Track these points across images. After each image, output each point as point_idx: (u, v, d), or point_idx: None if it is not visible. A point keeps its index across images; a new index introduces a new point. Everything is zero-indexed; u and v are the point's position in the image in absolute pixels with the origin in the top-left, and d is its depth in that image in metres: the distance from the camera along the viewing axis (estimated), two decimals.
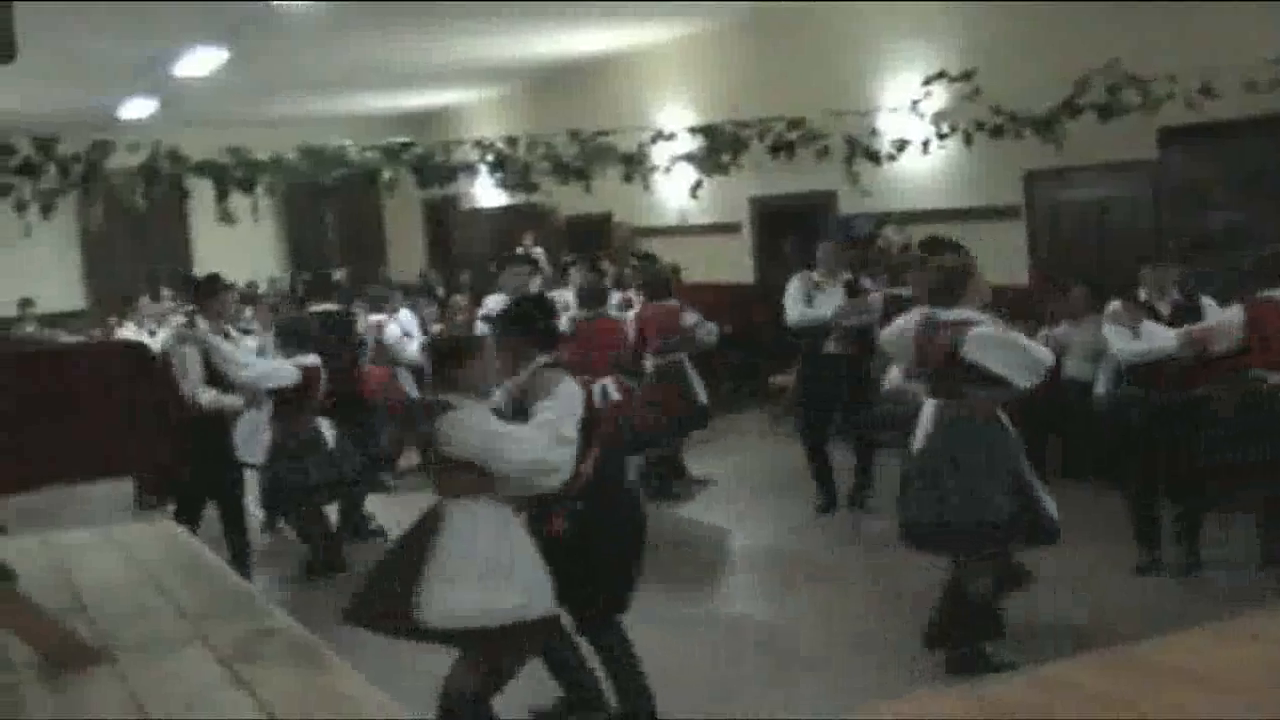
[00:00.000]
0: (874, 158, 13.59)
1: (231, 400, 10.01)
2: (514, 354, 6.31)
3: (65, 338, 16.79)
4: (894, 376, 8.78)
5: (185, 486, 9.92)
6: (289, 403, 10.33)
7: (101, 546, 6.32)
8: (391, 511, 11.33)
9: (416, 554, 5.54)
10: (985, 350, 7.01)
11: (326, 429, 10.57)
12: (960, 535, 7.06)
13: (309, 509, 10.50)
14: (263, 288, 23.02)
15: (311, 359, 10.53)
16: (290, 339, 10.74)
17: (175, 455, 4.38)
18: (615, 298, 13.34)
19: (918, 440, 7.25)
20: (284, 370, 10.22)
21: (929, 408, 7.27)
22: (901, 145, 13.43)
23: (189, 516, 9.51)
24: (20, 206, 11.98)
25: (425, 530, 5.63)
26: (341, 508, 11.39)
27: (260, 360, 10.66)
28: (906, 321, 7.47)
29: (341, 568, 10.36)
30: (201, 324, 10.14)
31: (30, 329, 19.85)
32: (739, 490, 12.47)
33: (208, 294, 10.47)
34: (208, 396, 9.76)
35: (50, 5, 10.95)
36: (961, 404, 7.15)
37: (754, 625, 8.51)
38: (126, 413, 4.26)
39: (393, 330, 13.44)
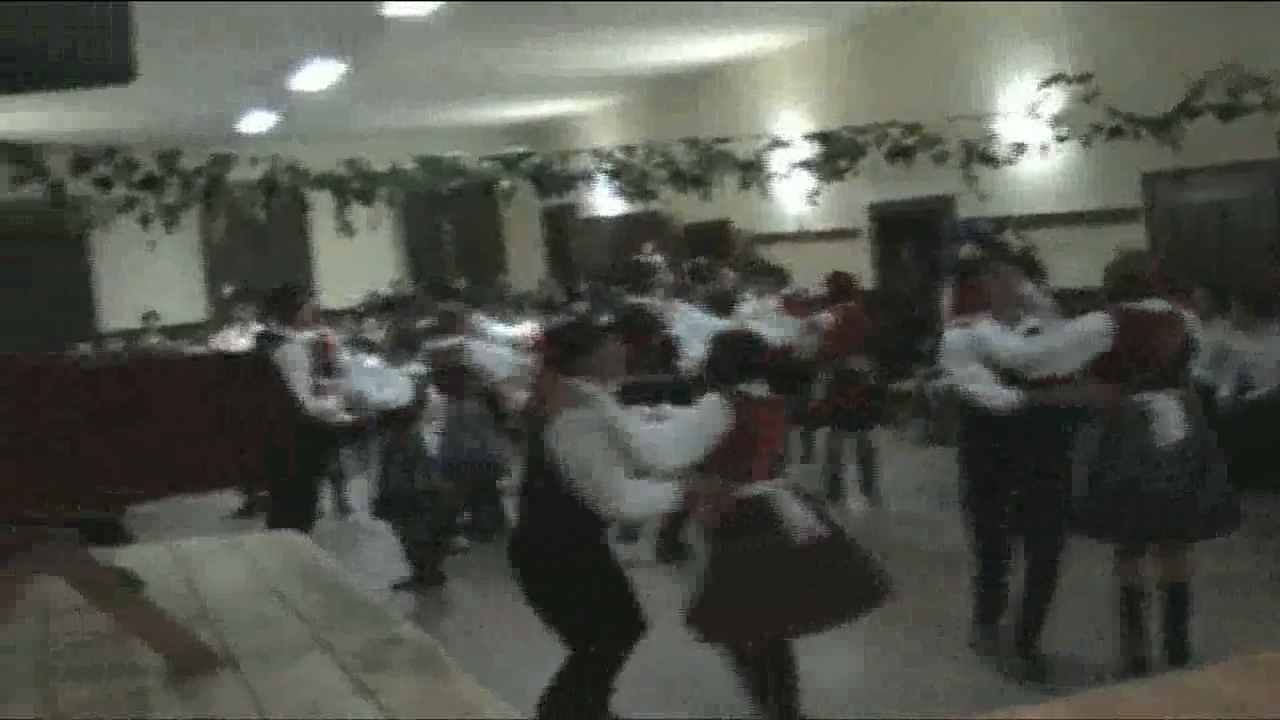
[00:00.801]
0: (991, 161, 13.50)
1: (333, 408, 10.11)
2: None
3: (190, 349, 17.00)
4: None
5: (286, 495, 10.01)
6: (395, 413, 10.38)
7: (226, 554, 6.38)
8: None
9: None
10: None
11: (430, 436, 10.63)
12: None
13: (418, 518, 10.55)
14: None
15: (416, 368, 10.60)
16: (400, 349, 10.81)
17: (275, 465, 4.39)
18: (749, 305, 13.12)
19: (1171, 433, 7.10)
20: (386, 394, 10.25)
21: (1172, 401, 7.13)
22: (1019, 148, 13.33)
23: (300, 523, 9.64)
24: (144, 220, 12.18)
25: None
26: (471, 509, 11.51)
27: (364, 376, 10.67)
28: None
29: (438, 580, 10.44)
30: (294, 334, 10.24)
31: (154, 341, 20.13)
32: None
33: (292, 305, 10.48)
34: (317, 406, 9.86)
35: (170, 21, 11.08)
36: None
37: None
38: (225, 423, 4.27)
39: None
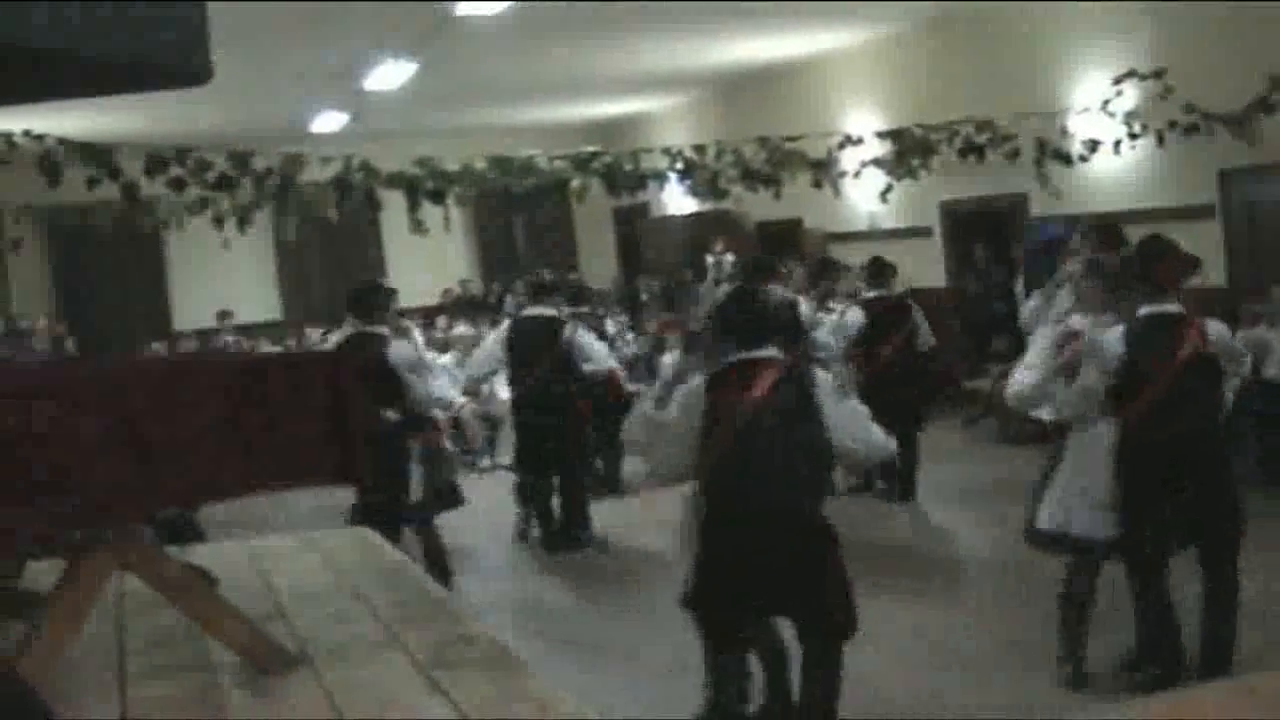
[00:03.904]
0: (1065, 159, 13.44)
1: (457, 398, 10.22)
2: None
3: (266, 348, 17.12)
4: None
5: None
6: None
7: (300, 552, 6.41)
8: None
9: None
10: None
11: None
12: None
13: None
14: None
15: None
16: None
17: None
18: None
19: None
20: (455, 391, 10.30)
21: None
22: (1093, 146, 13.26)
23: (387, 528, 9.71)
24: (218, 220, 12.27)
25: None
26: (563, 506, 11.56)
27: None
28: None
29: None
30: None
31: (228, 340, 20.30)
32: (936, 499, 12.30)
33: (383, 303, 10.46)
34: (438, 397, 10.01)
35: (243, 22, 11.15)
36: None
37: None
38: (326, 423, 4.30)
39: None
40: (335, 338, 10.38)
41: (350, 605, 5.32)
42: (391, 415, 9.64)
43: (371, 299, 10.25)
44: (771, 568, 5.95)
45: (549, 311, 11.52)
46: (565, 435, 11.36)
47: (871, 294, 12.28)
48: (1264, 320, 10.95)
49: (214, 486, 4.41)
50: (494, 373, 12.14)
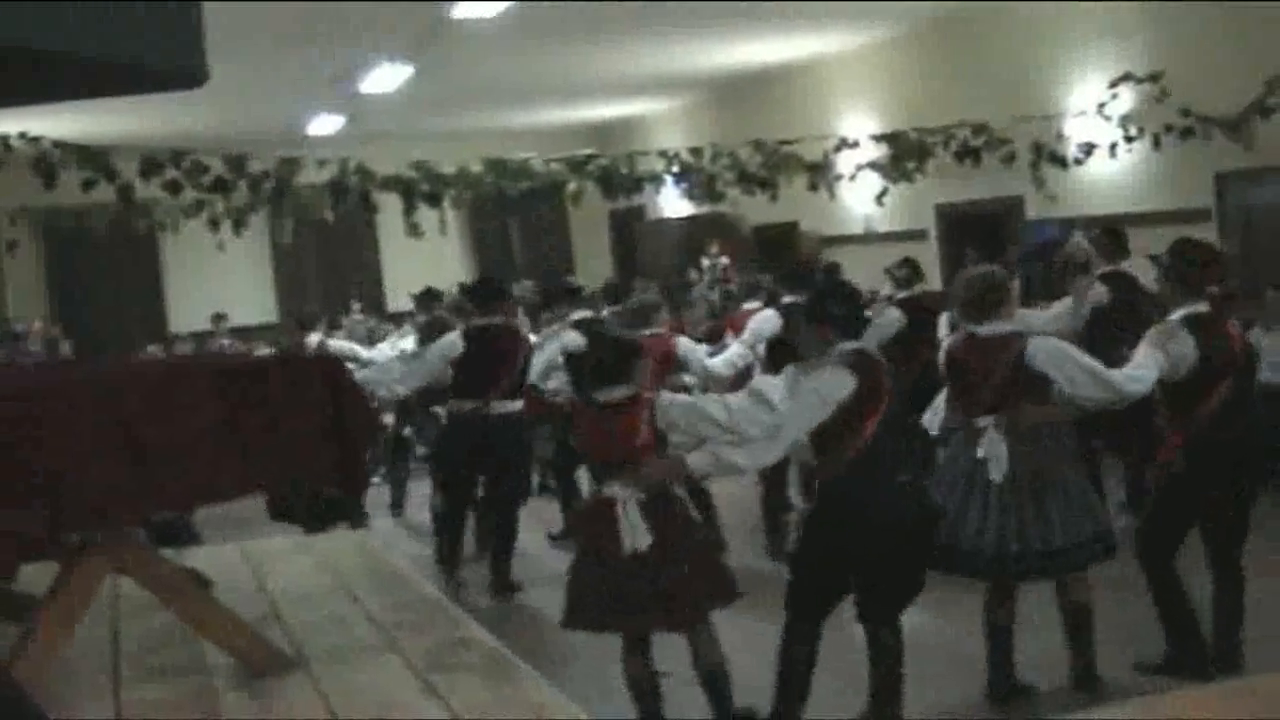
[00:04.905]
0: (1060, 162, 13.44)
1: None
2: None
3: (262, 350, 17.11)
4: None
5: None
6: None
7: (296, 555, 6.42)
8: None
9: None
10: None
11: None
12: None
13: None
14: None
15: None
16: None
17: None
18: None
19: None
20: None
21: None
22: (1088, 149, 13.26)
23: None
24: (213, 223, 12.27)
25: None
26: None
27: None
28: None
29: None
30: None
31: (224, 343, 20.28)
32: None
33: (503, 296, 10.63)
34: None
35: (239, 25, 11.14)
36: None
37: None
38: (325, 423, 4.30)
39: None
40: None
41: (346, 608, 5.32)
42: None
43: (493, 292, 10.50)
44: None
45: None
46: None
47: (903, 294, 12.29)
48: (1258, 324, 10.95)
49: (211, 489, 4.41)
50: None
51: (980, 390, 6.84)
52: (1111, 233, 10.63)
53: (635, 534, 6.13)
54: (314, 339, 14.68)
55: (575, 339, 10.34)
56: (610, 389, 6.34)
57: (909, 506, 6.37)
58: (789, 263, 15.63)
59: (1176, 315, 6.88)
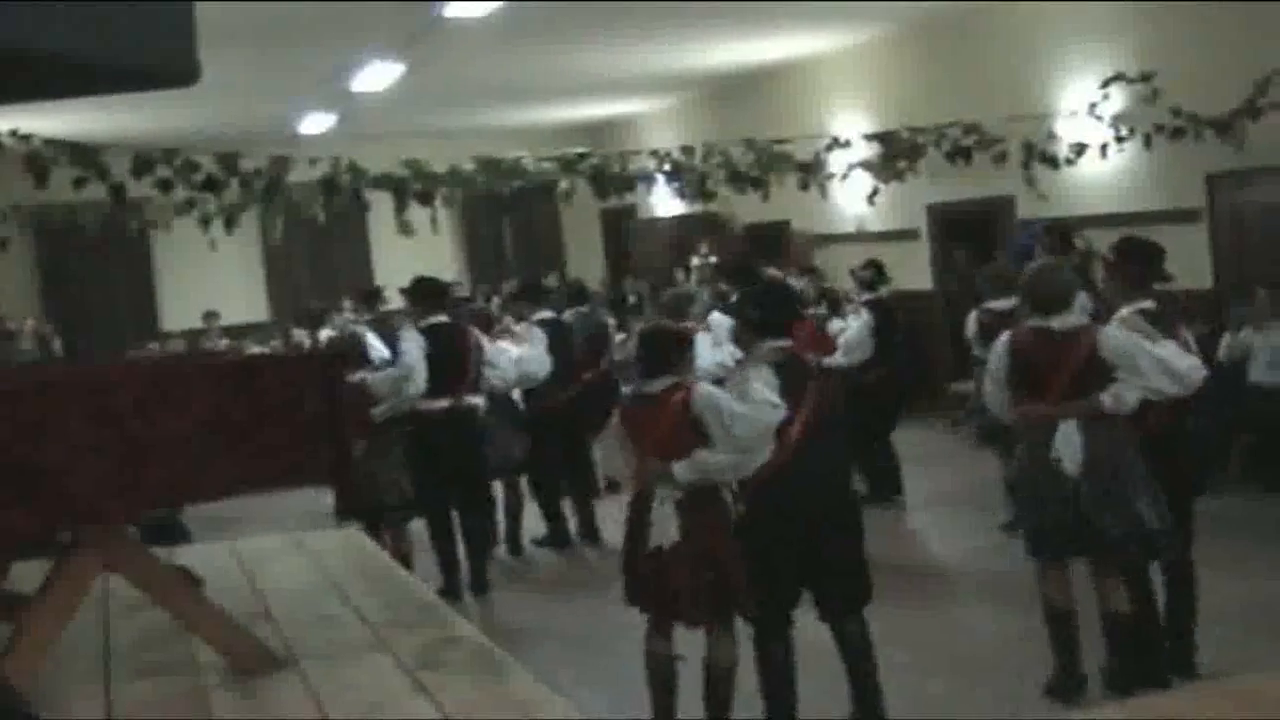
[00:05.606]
0: (1052, 162, 13.46)
1: None
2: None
3: (254, 349, 17.09)
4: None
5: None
6: None
7: (287, 553, 6.41)
8: None
9: None
10: None
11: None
12: None
13: None
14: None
15: None
16: None
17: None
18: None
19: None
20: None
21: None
22: (1080, 149, 13.28)
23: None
24: (205, 221, 12.26)
25: None
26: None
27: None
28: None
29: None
30: None
31: (217, 341, 20.26)
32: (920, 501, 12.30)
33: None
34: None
35: (231, 23, 11.14)
36: None
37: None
38: (315, 423, 4.30)
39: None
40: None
41: (337, 607, 5.31)
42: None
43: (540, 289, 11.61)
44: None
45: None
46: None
47: (868, 296, 12.27)
48: (1249, 324, 10.97)
49: (202, 487, 4.41)
50: None
51: (1053, 382, 6.86)
52: (1057, 230, 10.75)
53: (663, 530, 6.27)
54: (323, 335, 14.80)
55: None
56: (655, 380, 6.48)
57: (839, 500, 6.72)
58: (730, 261, 15.75)
59: (1125, 311, 6.94)
